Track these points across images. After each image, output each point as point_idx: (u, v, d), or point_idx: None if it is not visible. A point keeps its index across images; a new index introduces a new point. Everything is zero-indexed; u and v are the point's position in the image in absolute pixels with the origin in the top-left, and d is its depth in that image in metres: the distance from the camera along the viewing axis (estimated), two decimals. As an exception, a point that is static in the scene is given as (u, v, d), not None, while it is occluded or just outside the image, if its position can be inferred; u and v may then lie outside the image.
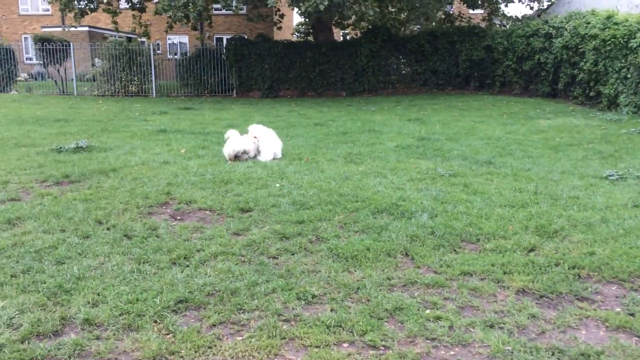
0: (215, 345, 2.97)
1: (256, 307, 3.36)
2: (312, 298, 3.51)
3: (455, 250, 4.38)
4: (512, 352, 2.94)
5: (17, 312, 3.24)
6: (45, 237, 4.45)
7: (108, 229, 4.74)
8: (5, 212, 5.16)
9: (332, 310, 3.36)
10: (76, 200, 5.55)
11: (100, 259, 4.02)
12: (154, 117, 13.93)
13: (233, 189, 6.11)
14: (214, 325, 3.18)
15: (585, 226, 4.87)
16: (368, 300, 3.48)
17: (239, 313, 3.31)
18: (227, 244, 4.40)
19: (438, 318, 3.29)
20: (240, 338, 3.05)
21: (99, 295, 3.43)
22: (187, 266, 3.95)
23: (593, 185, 6.43)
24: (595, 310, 3.45)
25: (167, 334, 3.07)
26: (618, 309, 3.44)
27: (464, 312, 3.39)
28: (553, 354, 2.93)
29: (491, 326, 3.21)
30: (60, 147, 8.34)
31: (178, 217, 5.21)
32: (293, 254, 4.25)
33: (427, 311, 3.37)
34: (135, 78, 21.69)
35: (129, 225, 4.82)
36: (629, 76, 13.17)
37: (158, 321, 3.19)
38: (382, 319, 3.26)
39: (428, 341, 3.05)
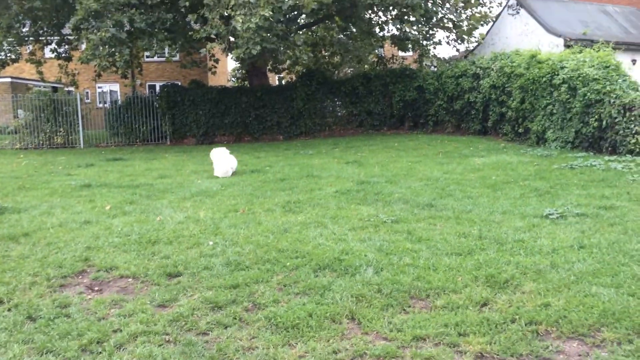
0: None
1: (180, 405, 2.84)
2: (248, 385, 3.03)
3: (404, 310, 4.03)
4: None
5: None
6: None
7: (9, 309, 4.07)
8: None
9: (270, 400, 2.89)
10: (-25, 275, 4.83)
11: (-7, 353, 3.38)
12: (78, 170, 13.08)
13: (161, 250, 5.56)
14: None
15: (535, 273, 4.66)
16: (312, 383, 3.04)
17: (160, 414, 2.78)
18: (149, 320, 3.85)
19: (392, 400, 2.89)
20: None
21: (-17, 405, 2.82)
22: (100, 353, 3.37)
23: (536, 225, 6.32)
24: (559, 372, 3.17)
25: None
26: (583, 371, 3.18)
27: (420, 388, 3.01)
28: None
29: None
30: (-33, 211, 7.50)
31: (96, 288, 4.61)
32: (226, 328, 3.75)
33: (380, 391, 2.97)
34: (61, 129, 20.65)
35: (35, 303, 4.17)
36: (554, 112, 13.62)
37: None
38: (329, 406, 2.83)
39: None
